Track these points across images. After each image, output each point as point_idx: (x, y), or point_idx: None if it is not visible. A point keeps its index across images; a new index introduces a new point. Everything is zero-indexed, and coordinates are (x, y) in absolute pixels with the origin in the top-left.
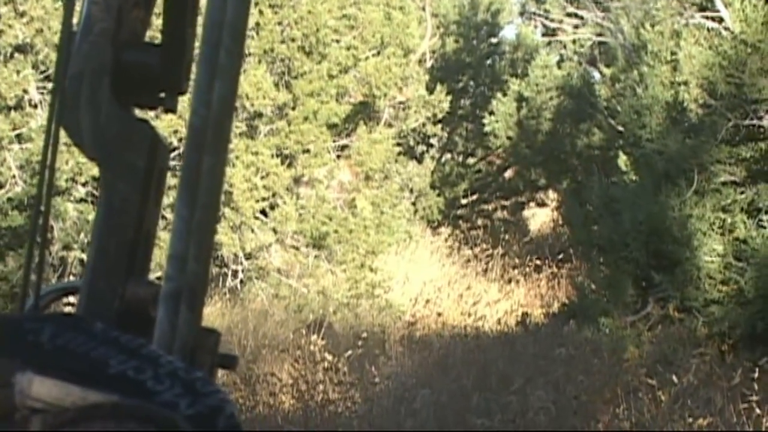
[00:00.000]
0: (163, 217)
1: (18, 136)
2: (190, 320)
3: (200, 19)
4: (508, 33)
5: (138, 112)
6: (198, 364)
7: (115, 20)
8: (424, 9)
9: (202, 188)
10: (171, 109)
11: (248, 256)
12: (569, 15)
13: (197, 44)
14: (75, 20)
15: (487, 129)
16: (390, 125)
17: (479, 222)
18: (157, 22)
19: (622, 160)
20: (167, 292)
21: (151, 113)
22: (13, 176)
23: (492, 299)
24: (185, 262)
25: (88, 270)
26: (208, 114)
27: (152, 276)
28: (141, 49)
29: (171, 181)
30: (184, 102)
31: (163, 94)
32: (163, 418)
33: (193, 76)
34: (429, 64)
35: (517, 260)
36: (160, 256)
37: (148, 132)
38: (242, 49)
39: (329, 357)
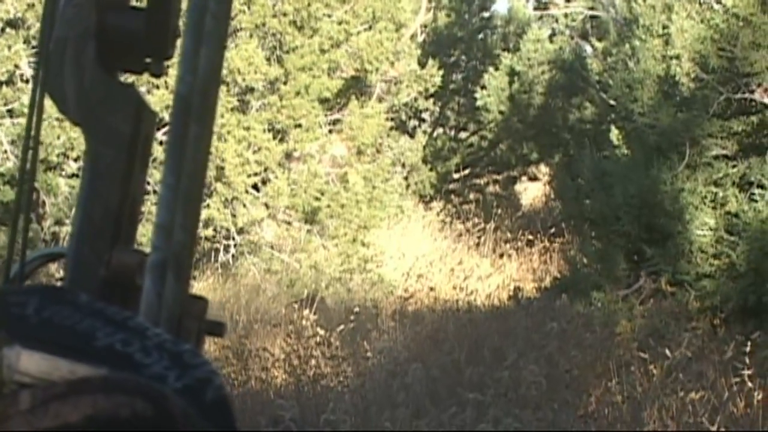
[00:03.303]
0: (154, 192)
1: (9, 111)
2: (176, 290)
3: None
4: (500, 7)
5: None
6: (185, 331)
7: None
8: None
9: (189, 157)
10: (157, 74)
11: (240, 231)
12: None
13: (183, 9)
14: None
15: (479, 103)
16: (382, 100)
17: (471, 196)
18: None
19: (614, 134)
20: (154, 261)
21: (143, 88)
22: (5, 151)
23: (484, 274)
24: (172, 231)
25: (73, 237)
26: (195, 82)
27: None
28: (126, 13)
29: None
30: (174, 76)
31: (149, 59)
32: (152, 391)
33: (179, 43)
34: (421, 38)
35: (509, 234)
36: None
37: (134, 97)
38: (229, 13)
39: (321, 332)
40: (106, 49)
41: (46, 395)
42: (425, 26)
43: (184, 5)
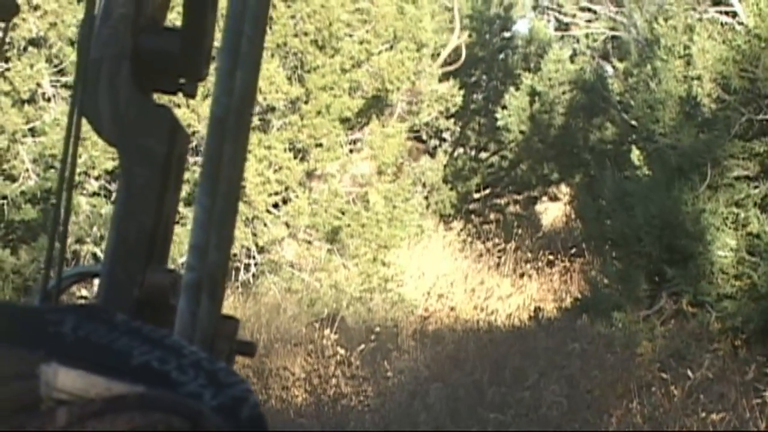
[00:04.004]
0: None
1: (31, 129)
2: (210, 310)
3: (220, 7)
4: (521, 27)
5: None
6: (217, 351)
7: (135, 5)
8: (451, 9)
9: (223, 177)
10: (191, 94)
11: (261, 250)
12: (582, 9)
13: (218, 33)
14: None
15: (499, 123)
16: (403, 120)
17: (492, 216)
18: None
19: (635, 154)
20: (188, 281)
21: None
22: (27, 170)
23: (504, 293)
24: (206, 251)
25: (107, 256)
26: (230, 103)
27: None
28: (161, 35)
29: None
30: (198, 97)
31: (182, 80)
32: (189, 409)
33: (213, 65)
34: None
35: (529, 254)
36: (175, 252)
37: (168, 117)
38: (263, 37)
39: (342, 351)
40: (141, 69)
41: (83, 412)
42: (443, 45)
43: (217, 26)
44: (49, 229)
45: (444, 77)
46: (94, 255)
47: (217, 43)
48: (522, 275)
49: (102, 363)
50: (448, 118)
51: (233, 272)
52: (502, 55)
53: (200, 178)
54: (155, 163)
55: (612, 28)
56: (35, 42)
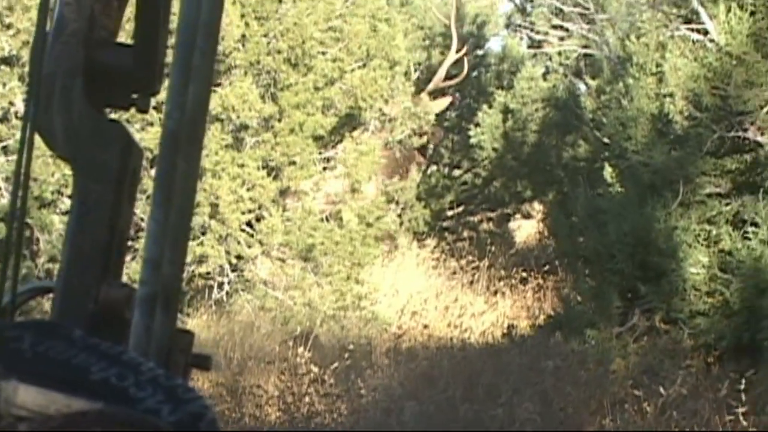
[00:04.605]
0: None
1: (4, 148)
2: (165, 323)
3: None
4: (494, 45)
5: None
6: (172, 364)
7: (88, 21)
8: (423, 28)
9: (177, 191)
10: (143, 109)
11: (234, 268)
12: (555, 27)
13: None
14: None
15: (473, 141)
16: (378, 137)
17: (465, 234)
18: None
19: (608, 171)
20: (143, 295)
21: (137, 125)
22: (0, 188)
23: (478, 311)
24: (160, 265)
25: (62, 270)
26: (183, 117)
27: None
28: (113, 50)
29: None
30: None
31: (135, 95)
32: (147, 425)
33: (166, 80)
34: (415, 76)
35: (503, 272)
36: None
37: (121, 132)
38: (215, 49)
39: (315, 369)
40: (94, 85)
41: (43, 428)
42: (419, 63)
43: (170, 42)
44: (4, 245)
45: (449, 92)
46: None
47: (169, 58)
48: (495, 292)
49: (61, 379)
50: (421, 135)
51: (206, 290)
52: (475, 73)
53: (153, 193)
54: (109, 179)
55: (584, 46)
56: (7, 60)
